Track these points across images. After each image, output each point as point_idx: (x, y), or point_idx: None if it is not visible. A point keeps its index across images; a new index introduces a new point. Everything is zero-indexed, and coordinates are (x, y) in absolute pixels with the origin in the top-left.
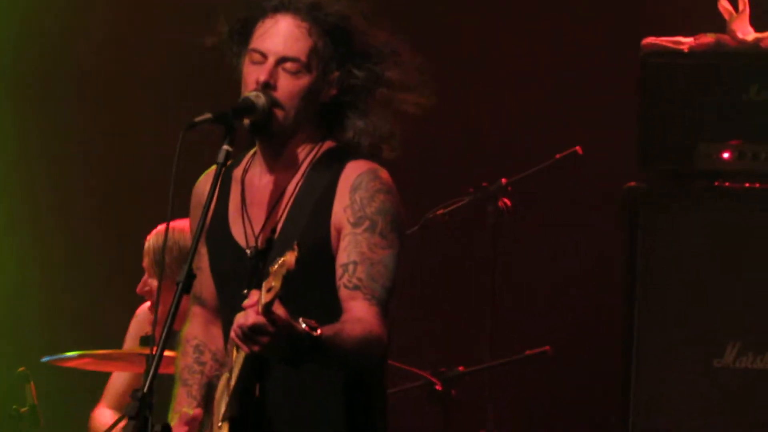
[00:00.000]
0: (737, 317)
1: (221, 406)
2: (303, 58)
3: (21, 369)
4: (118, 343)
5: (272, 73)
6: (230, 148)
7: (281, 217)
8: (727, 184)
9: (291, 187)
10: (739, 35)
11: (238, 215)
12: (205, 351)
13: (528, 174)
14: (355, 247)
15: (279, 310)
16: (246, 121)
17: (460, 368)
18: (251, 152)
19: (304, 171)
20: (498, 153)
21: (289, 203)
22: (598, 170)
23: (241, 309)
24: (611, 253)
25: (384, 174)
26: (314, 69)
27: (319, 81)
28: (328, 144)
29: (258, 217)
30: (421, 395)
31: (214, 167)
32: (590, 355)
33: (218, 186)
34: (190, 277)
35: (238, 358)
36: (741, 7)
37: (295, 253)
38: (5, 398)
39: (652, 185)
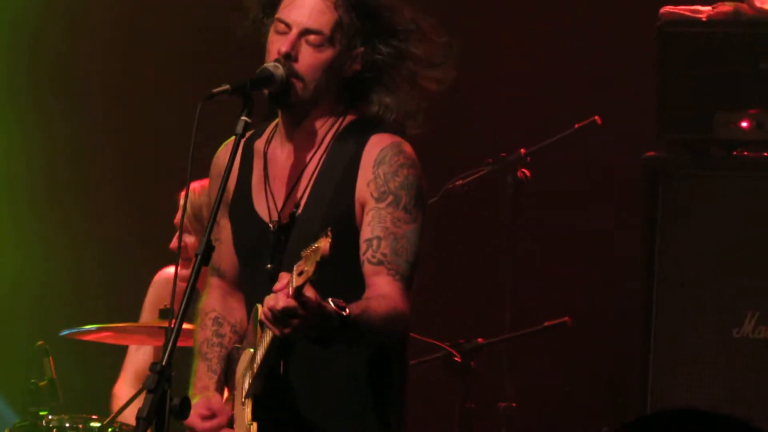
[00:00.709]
0: (756, 287)
1: (244, 383)
2: (327, 31)
3: (39, 343)
4: (138, 317)
5: (294, 45)
6: (248, 119)
7: (305, 191)
8: (746, 153)
9: (315, 161)
10: (758, 4)
11: (261, 189)
12: (224, 323)
13: (547, 144)
14: (379, 222)
15: (310, 292)
16: (266, 92)
17: (479, 340)
18: (273, 123)
19: (328, 144)
20: (517, 123)
21: (313, 177)
22: (617, 140)
23: (263, 283)
24: (630, 222)
25: (407, 147)
26: (338, 43)
27: (343, 55)
28: (350, 117)
29: (280, 191)
30: (440, 367)
31: (233, 138)
32: (609, 326)
33: (237, 157)
34: (209, 248)
35: (264, 337)
36: None
37: (329, 239)
38: (24, 372)
39: (671, 155)
